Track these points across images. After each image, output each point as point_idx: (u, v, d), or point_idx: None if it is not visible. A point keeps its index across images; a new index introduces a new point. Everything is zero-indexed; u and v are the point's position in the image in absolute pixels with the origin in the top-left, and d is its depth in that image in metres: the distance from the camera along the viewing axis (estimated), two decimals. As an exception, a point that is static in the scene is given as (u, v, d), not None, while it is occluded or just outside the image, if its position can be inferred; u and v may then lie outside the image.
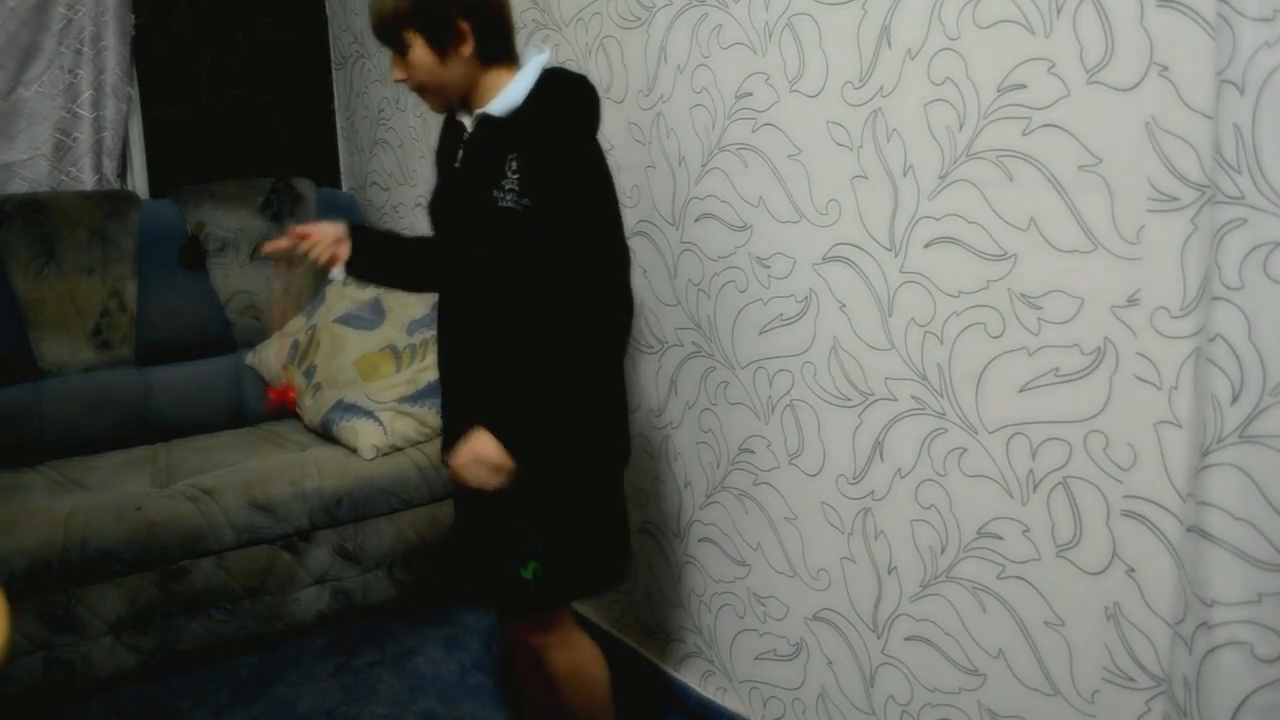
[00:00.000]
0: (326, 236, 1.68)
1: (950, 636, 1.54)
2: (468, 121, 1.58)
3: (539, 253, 1.48)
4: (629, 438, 1.68)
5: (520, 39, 2.25)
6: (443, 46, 1.48)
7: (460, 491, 1.64)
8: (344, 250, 1.68)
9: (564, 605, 1.67)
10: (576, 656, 1.69)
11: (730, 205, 1.80)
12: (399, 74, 1.54)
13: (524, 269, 1.50)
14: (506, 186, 1.48)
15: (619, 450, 1.66)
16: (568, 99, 1.54)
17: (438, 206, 1.66)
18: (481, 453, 1.48)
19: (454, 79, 1.52)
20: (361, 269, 1.72)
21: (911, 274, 1.51)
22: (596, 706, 1.72)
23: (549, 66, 1.55)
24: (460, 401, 1.64)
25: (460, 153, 1.59)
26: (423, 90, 1.55)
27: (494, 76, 1.53)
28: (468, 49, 1.49)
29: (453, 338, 1.63)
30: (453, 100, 1.57)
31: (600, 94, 2.06)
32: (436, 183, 1.68)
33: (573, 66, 2.11)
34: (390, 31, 1.50)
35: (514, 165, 1.48)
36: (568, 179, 1.48)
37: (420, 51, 1.49)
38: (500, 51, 1.53)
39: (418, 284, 1.82)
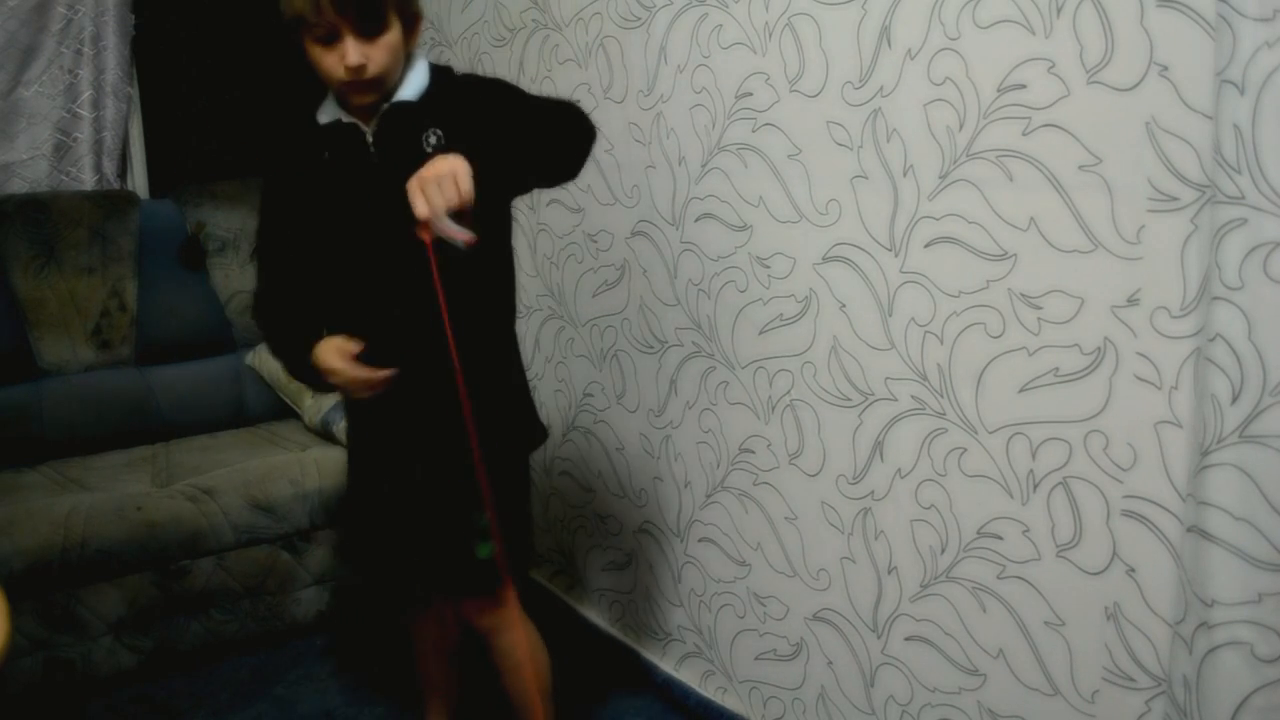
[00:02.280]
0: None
1: (950, 636, 1.54)
2: (361, 121, 1.47)
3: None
4: (537, 417, 1.71)
5: (519, 40, 2.27)
6: (409, 31, 1.45)
7: (401, 491, 1.61)
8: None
9: (518, 576, 1.65)
10: (532, 635, 1.71)
11: (730, 205, 1.80)
12: (358, 58, 1.38)
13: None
14: (433, 143, 1.45)
15: (534, 429, 1.69)
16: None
17: (351, 235, 1.50)
18: (453, 168, 1.29)
19: (397, 64, 1.45)
20: None
21: (911, 274, 1.51)
22: (547, 689, 1.73)
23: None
24: (434, 405, 1.53)
25: (372, 149, 1.48)
26: (375, 80, 1.41)
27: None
28: (417, 36, 1.48)
29: (409, 334, 1.52)
30: (384, 92, 1.45)
31: (600, 94, 2.07)
32: (290, 206, 1.57)
33: (572, 67, 2.11)
34: (376, 6, 1.38)
35: (433, 139, 1.45)
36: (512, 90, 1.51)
37: (394, 34, 1.41)
38: None
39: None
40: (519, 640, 1.66)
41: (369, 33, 1.38)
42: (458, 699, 1.95)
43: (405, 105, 1.47)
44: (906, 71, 1.46)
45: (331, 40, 1.39)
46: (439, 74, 1.53)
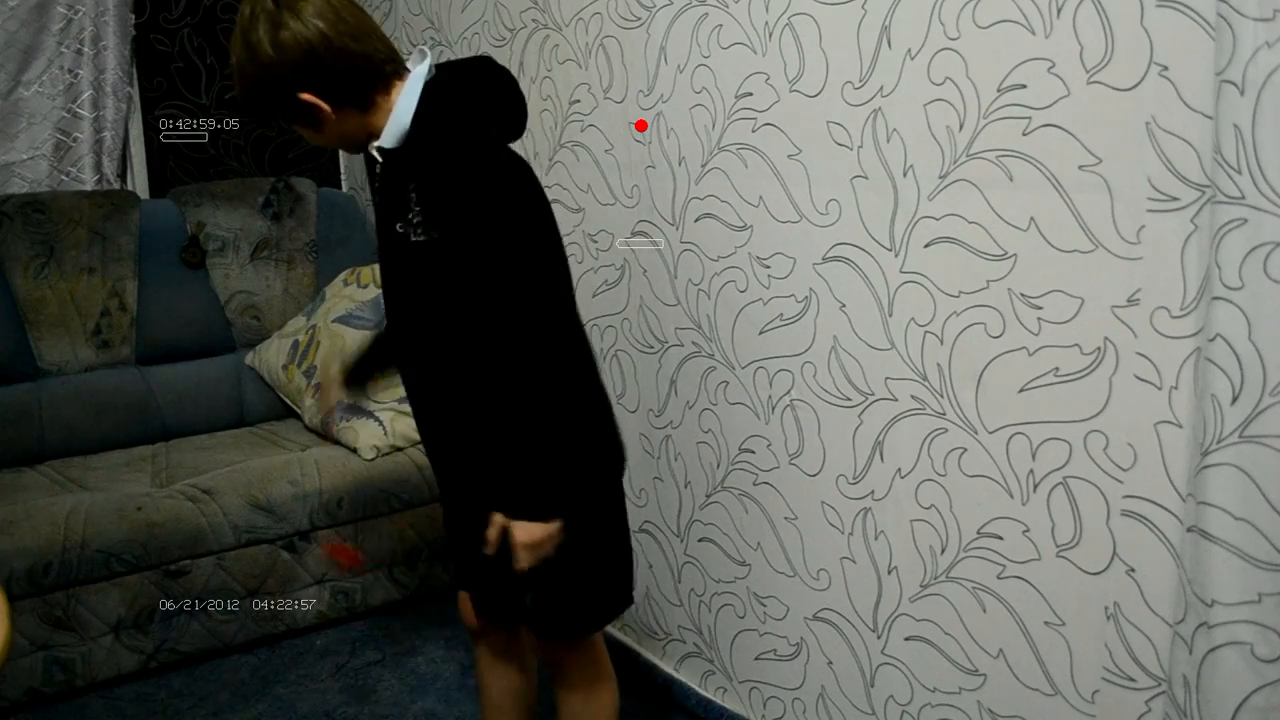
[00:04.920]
0: None
1: (950, 636, 1.54)
2: (376, 153, 1.44)
3: (462, 286, 1.37)
4: (619, 443, 1.55)
5: (519, 40, 2.26)
6: (309, 121, 1.40)
7: (453, 521, 1.64)
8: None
9: (581, 636, 1.58)
10: (589, 674, 1.61)
11: (730, 205, 1.80)
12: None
13: (450, 304, 1.40)
14: (413, 220, 1.38)
15: (608, 464, 1.53)
16: (453, 112, 1.39)
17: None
18: (527, 541, 1.37)
19: (345, 133, 1.42)
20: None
21: (911, 274, 1.51)
22: None
23: (431, 76, 1.39)
24: (440, 454, 1.58)
25: (376, 186, 1.47)
26: (324, 146, 1.50)
27: (383, 109, 1.39)
28: (328, 111, 1.37)
29: (411, 385, 1.56)
30: (359, 145, 1.44)
31: (600, 94, 2.06)
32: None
33: (572, 67, 2.11)
34: (261, 115, 1.43)
35: (414, 196, 1.37)
36: (470, 205, 1.34)
37: (299, 125, 1.42)
38: (370, 91, 1.38)
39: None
40: (578, 682, 1.61)
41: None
42: None
43: (386, 151, 1.41)
44: (906, 71, 1.46)
45: None
46: (424, 104, 1.38)
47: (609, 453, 1.52)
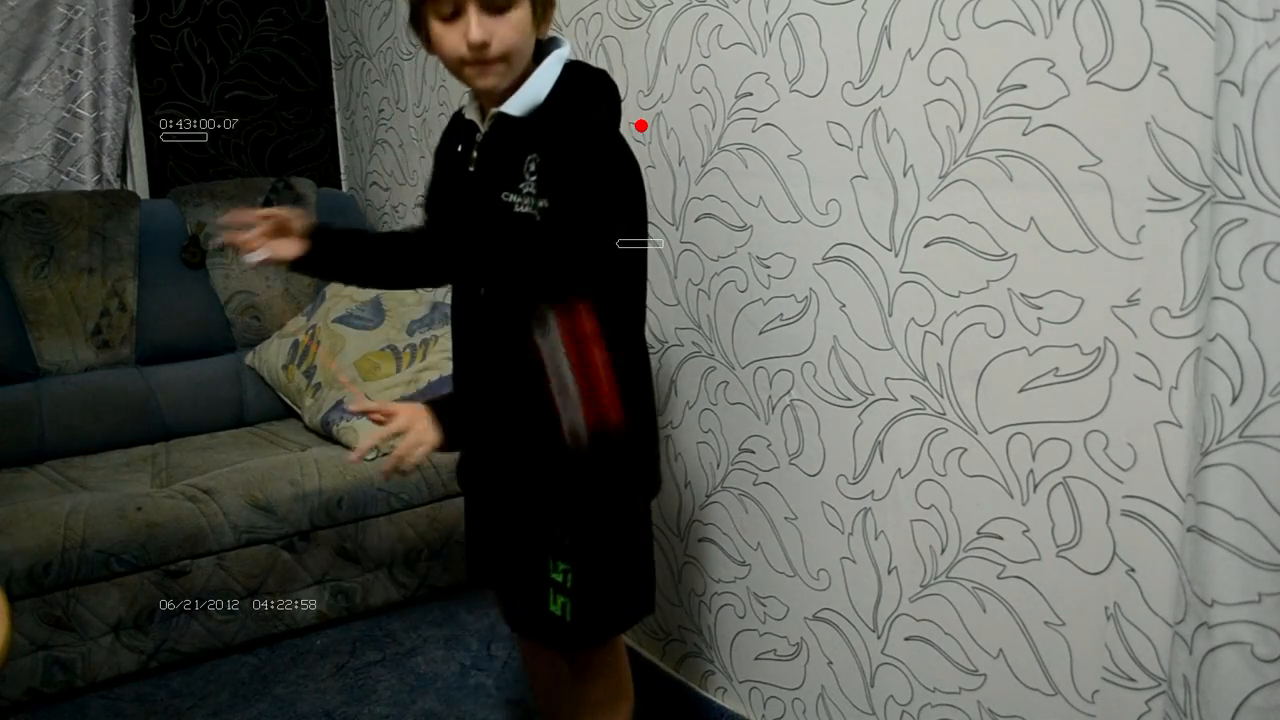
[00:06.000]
0: (267, 223, 1.52)
1: (950, 636, 1.54)
2: (479, 120, 1.43)
3: (549, 255, 1.34)
4: (657, 468, 1.58)
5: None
6: (542, 12, 1.36)
7: (483, 521, 1.61)
8: (286, 248, 1.53)
9: (603, 642, 1.57)
10: (612, 688, 1.62)
11: (730, 205, 1.80)
12: (481, 34, 1.29)
13: (533, 273, 1.37)
14: (524, 190, 1.35)
15: (647, 481, 1.56)
16: (593, 95, 1.41)
17: (443, 207, 1.54)
18: (420, 437, 1.35)
19: (530, 53, 1.37)
20: (312, 267, 1.60)
21: (911, 274, 1.51)
22: None
23: (570, 59, 1.41)
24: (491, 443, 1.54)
25: (475, 154, 1.44)
26: (501, 59, 1.33)
27: (529, 70, 1.38)
28: (550, 18, 1.37)
29: (466, 344, 1.55)
30: (513, 78, 1.37)
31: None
32: (433, 180, 1.58)
33: (573, 66, 2.11)
34: None
35: (533, 166, 1.35)
36: (591, 181, 1.34)
37: (523, 13, 1.32)
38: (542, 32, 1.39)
39: (379, 282, 1.81)
40: (597, 690, 1.60)
41: (495, 8, 1.30)
42: None
43: (509, 120, 1.38)
44: (906, 71, 1.46)
45: (455, 16, 1.31)
46: (565, 83, 1.39)
47: (646, 466, 1.55)
